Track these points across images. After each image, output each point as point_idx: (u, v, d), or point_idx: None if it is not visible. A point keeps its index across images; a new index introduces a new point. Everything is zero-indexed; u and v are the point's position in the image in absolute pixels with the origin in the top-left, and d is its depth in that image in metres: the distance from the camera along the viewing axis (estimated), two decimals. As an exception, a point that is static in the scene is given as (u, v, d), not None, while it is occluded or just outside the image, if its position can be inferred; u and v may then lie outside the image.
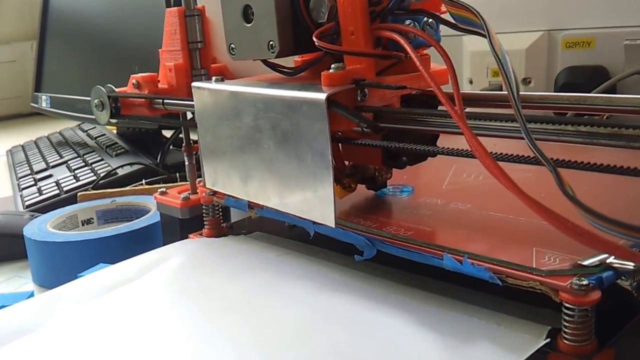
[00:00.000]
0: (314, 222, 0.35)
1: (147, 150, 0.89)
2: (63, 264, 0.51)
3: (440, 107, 0.32)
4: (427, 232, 0.33)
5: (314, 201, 0.33)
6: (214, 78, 0.39)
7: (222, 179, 0.40)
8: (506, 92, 0.27)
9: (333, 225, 0.32)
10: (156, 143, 0.92)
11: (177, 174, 0.77)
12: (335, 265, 0.36)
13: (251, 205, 0.40)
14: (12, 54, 1.79)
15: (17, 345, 0.32)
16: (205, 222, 0.45)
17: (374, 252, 0.33)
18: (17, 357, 0.31)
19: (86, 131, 1.11)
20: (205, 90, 0.39)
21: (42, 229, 0.54)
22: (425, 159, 0.37)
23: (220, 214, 0.45)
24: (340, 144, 0.37)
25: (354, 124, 0.32)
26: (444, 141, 0.34)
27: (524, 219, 0.33)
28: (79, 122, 1.20)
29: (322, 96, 0.30)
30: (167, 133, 0.93)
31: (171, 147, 0.89)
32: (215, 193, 0.44)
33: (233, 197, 0.42)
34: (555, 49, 0.65)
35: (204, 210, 0.44)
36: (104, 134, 1.04)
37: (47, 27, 1.20)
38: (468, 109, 0.28)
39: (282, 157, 0.34)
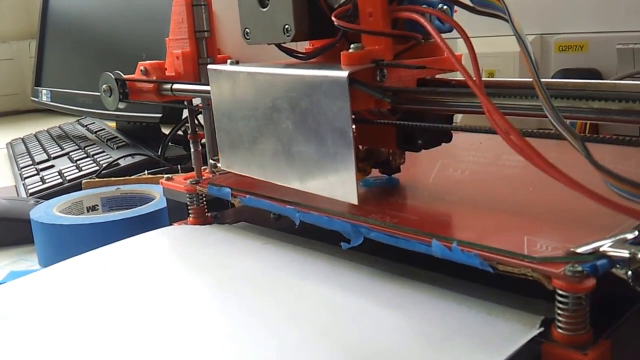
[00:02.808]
0: (299, 211, 0.35)
1: (146, 144, 0.89)
2: (70, 247, 0.51)
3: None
4: (414, 220, 0.32)
5: (336, 180, 0.32)
6: (229, 61, 0.39)
7: (239, 161, 0.40)
8: (520, 80, 0.27)
9: (356, 203, 0.32)
10: (156, 138, 0.93)
11: (179, 166, 0.78)
12: (321, 254, 0.35)
13: (234, 195, 0.41)
14: (9, 52, 1.79)
15: (11, 322, 0.32)
16: (189, 211, 0.45)
17: (360, 239, 0.32)
18: (11, 335, 0.31)
19: (86, 126, 1.11)
20: (222, 72, 0.39)
21: (49, 212, 0.54)
22: (440, 144, 0.36)
23: (205, 203, 0.45)
24: (354, 128, 0.37)
25: (372, 104, 0.32)
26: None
27: (514, 210, 0.32)
28: (78, 118, 1.20)
29: (344, 74, 0.30)
30: (165, 130, 0.94)
31: (170, 143, 0.90)
32: (198, 182, 0.44)
33: (217, 185, 0.42)
34: (548, 52, 0.65)
35: (188, 199, 0.45)
36: (104, 129, 1.04)
37: (47, 22, 1.20)
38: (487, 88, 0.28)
39: (302, 138, 0.34)
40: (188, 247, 0.40)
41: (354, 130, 0.33)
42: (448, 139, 0.37)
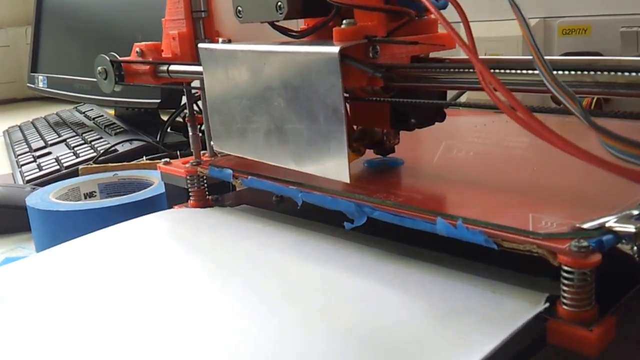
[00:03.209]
0: (302, 191, 0.35)
1: (145, 131, 0.88)
2: (67, 234, 0.50)
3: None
4: (418, 199, 0.32)
5: (328, 159, 0.32)
6: (220, 39, 0.39)
7: (232, 141, 0.39)
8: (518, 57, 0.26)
9: (348, 181, 0.32)
10: (155, 124, 0.92)
11: (178, 152, 0.77)
12: (324, 235, 0.35)
13: (236, 176, 0.40)
14: (6, 39, 1.78)
15: (7, 306, 0.32)
16: (190, 194, 0.44)
17: (364, 219, 0.32)
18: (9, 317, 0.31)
19: (84, 113, 1.10)
20: (213, 50, 0.38)
21: (45, 199, 0.53)
22: (433, 123, 0.36)
23: (205, 185, 0.44)
24: (348, 108, 0.37)
25: (365, 81, 0.31)
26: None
27: (519, 189, 0.33)
28: (75, 104, 1.20)
29: (335, 49, 0.30)
30: (164, 117, 0.93)
31: (170, 130, 0.89)
32: (199, 163, 0.44)
33: (218, 166, 0.41)
34: (551, 36, 0.65)
35: (188, 182, 0.44)
36: (102, 115, 1.03)
37: (43, 7, 1.19)
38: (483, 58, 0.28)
39: (294, 116, 0.33)
40: (188, 229, 0.40)
41: (347, 107, 0.32)
42: (441, 118, 0.36)
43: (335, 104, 0.31)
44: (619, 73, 0.24)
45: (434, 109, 0.36)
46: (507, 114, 0.25)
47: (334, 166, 0.32)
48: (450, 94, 0.36)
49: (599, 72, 0.25)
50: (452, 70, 0.30)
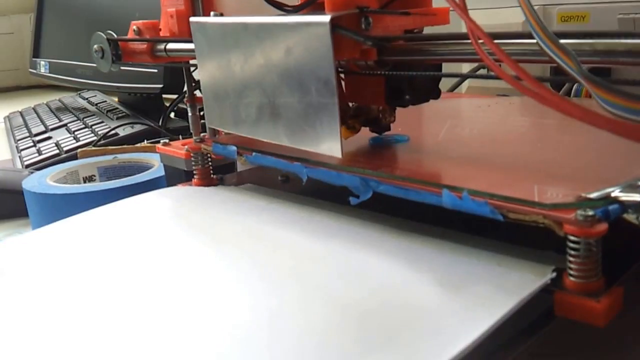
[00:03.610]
0: (307, 167, 0.34)
1: (148, 116, 0.88)
2: (64, 218, 0.50)
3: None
4: (424, 172, 0.32)
5: (320, 133, 0.32)
6: (212, 13, 0.38)
7: (224, 117, 0.39)
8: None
9: (340, 156, 0.31)
10: (158, 110, 0.91)
11: (180, 136, 0.77)
12: (329, 212, 0.35)
13: (240, 153, 0.39)
14: (10, 26, 1.78)
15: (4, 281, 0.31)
16: (194, 172, 0.44)
17: (369, 193, 0.31)
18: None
19: (87, 99, 1.10)
20: (205, 24, 0.37)
21: (42, 182, 0.53)
22: (428, 100, 0.36)
23: (210, 163, 0.44)
24: (344, 85, 0.36)
25: (357, 53, 0.31)
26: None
27: (524, 164, 0.32)
28: (77, 90, 1.19)
29: (325, 18, 0.29)
30: (167, 103, 0.92)
31: (172, 115, 0.89)
32: (202, 140, 0.43)
33: (222, 143, 0.41)
34: (550, 23, 0.65)
35: (192, 159, 0.44)
36: (105, 101, 1.03)
37: (45, -8, 1.18)
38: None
39: (286, 90, 0.33)
40: (190, 206, 0.39)
41: (341, 82, 0.32)
42: (436, 95, 0.36)
43: (327, 75, 0.30)
44: (619, 40, 0.23)
45: (428, 85, 0.35)
46: (504, 79, 0.25)
47: (326, 141, 0.31)
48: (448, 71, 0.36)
49: (598, 40, 0.24)
50: (448, 41, 0.29)
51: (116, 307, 0.27)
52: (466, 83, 0.67)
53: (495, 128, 0.42)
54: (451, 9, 0.29)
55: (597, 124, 0.23)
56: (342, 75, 0.36)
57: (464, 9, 0.25)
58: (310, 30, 0.30)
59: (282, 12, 0.36)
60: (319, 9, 0.34)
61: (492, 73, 0.26)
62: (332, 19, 0.29)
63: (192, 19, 0.38)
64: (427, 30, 0.35)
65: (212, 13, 0.38)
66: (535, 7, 0.25)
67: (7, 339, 0.26)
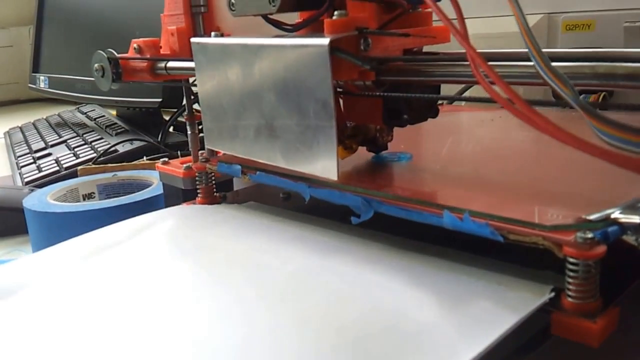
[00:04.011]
0: (310, 186, 0.35)
1: (147, 131, 0.88)
2: (64, 236, 0.50)
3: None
4: (425, 192, 0.32)
5: (317, 154, 0.32)
6: (212, 33, 0.38)
7: (223, 138, 0.39)
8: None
9: (336, 179, 0.31)
10: (156, 124, 0.92)
11: (179, 152, 0.77)
12: (331, 231, 0.35)
13: (244, 172, 0.40)
14: (9, 39, 1.78)
15: (4, 304, 0.31)
16: (198, 191, 0.44)
17: (371, 213, 0.32)
18: (4, 315, 0.30)
19: (85, 113, 1.10)
20: (205, 44, 0.38)
21: (43, 200, 0.53)
22: (426, 119, 0.36)
23: (214, 182, 0.44)
24: (342, 104, 0.37)
25: (355, 74, 0.31)
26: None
27: (525, 183, 0.33)
28: (77, 105, 1.19)
29: (324, 41, 0.29)
30: (167, 117, 0.93)
31: (171, 129, 0.89)
32: (208, 160, 0.43)
33: (227, 162, 0.41)
34: (555, 32, 0.65)
35: (197, 178, 0.44)
36: (104, 115, 1.03)
37: (44, 8, 1.19)
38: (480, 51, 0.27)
39: (284, 111, 0.33)
40: (195, 225, 0.40)
41: (339, 103, 0.33)
42: (434, 113, 0.36)
43: (325, 98, 0.30)
44: (619, 64, 0.24)
45: (426, 104, 0.36)
46: (500, 103, 0.25)
47: (322, 163, 0.32)
48: (445, 88, 0.36)
49: (598, 63, 0.24)
50: (445, 62, 0.29)
51: (113, 329, 0.27)
52: (467, 93, 0.67)
53: (498, 144, 0.42)
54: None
55: (592, 153, 0.23)
56: (340, 95, 0.36)
57: (464, 37, 0.26)
58: (309, 52, 0.30)
59: (281, 31, 0.37)
60: (318, 28, 0.34)
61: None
62: (331, 42, 0.29)
63: (193, 39, 0.39)
64: (427, 47, 0.35)
65: (212, 33, 0.38)
66: (540, 16, 0.25)
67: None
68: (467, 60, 0.27)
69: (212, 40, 0.38)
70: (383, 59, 0.31)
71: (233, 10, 0.37)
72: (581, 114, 0.23)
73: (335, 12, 0.31)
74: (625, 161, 0.23)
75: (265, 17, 0.36)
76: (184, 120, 0.91)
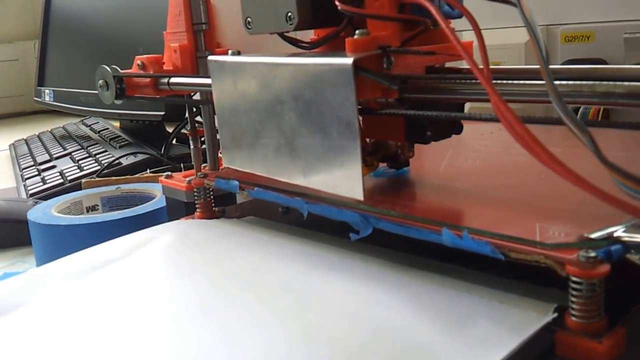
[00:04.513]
0: (307, 202, 0.34)
1: (150, 143, 0.88)
2: (68, 248, 0.49)
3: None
4: (424, 209, 0.32)
5: (340, 175, 0.31)
6: (230, 51, 0.38)
7: (241, 157, 0.38)
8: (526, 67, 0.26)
9: (361, 199, 0.30)
10: (159, 136, 0.92)
11: (182, 165, 0.77)
12: (330, 247, 0.35)
13: (242, 187, 0.39)
14: (14, 52, 1.78)
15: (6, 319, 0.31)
16: (197, 205, 0.44)
17: (369, 229, 0.31)
18: (6, 331, 0.30)
19: (89, 125, 1.10)
20: (223, 63, 0.37)
21: (47, 213, 0.53)
22: (450, 136, 0.35)
23: (212, 197, 0.44)
24: (361, 120, 0.36)
25: (379, 93, 0.30)
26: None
27: (526, 199, 0.32)
28: (82, 117, 1.20)
29: (348, 61, 0.28)
30: (170, 129, 0.93)
31: (174, 141, 0.89)
32: (206, 175, 0.43)
33: (225, 178, 0.41)
34: (554, 43, 0.64)
35: (195, 194, 0.44)
36: (107, 128, 1.03)
37: (49, 22, 1.19)
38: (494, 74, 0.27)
39: (305, 130, 0.32)
40: (193, 241, 0.39)
41: (360, 121, 0.31)
42: (458, 130, 0.35)
43: (348, 117, 0.29)
44: (618, 82, 0.23)
45: (451, 121, 0.35)
46: (522, 145, 0.25)
47: (346, 184, 0.31)
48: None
49: (597, 82, 0.24)
50: (470, 81, 0.28)
51: (115, 345, 0.27)
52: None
53: (498, 158, 0.41)
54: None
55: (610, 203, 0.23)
56: (361, 113, 0.36)
57: (488, 80, 0.25)
58: (332, 71, 0.30)
59: (295, 49, 0.37)
60: (335, 44, 0.34)
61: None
62: (355, 61, 0.29)
63: (210, 57, 0.38)
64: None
65: (229, 52, 0.38)
66: (539, 27, 0.25)
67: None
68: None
69: (230, 58, 0.37)
70: (407, 77, 0.31)
71: (250, 29, 0.36)
72: (604, 167, 0.23)
73: (357, 31, 0.31)
74: (625, 204, 0.23)
75: (281, 34, 0.36)
76: (186, 133, 0.92)
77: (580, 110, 0.54)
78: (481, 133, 0.49)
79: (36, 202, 0.61)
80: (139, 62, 0.46)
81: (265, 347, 0.25)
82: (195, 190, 0.43)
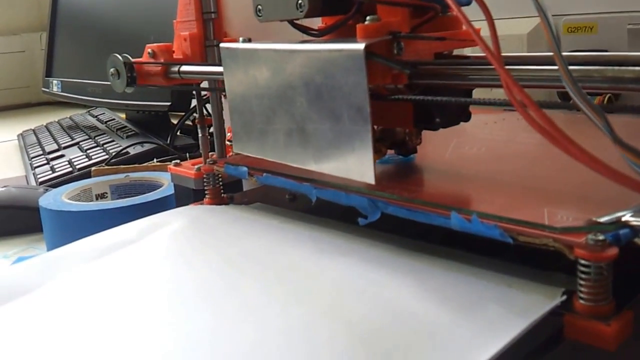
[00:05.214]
0: (316, 187, 0.34)
1: (156, 134, 0.88)
2: (78, 234, 0.49)
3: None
4: (432, 194, 0.32)
5: (352, 159, 0.31)
6: (241, 39, 0.37)
7: (252, 143, 0.38)
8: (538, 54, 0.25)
9: (373, 182, 0.30)
10: (165, 127, 0.92)
11: (187, 154, 0.77)
12: (338, 232, 0.34)
13: (251, 173, 0.39)
14: (21, 44, 1.78)
15: (14, 304, 0.31)
16: (205, 192, 0.44)
17: (378, 214, 0.31)
18: (14, 316, 0.30)
19: (96, 116, 1.10)
20: (235, 49, 0.37)
21: (58, 199, 0.53)
22: (458, 123, 0.35)
23: (221, 183, 0.44)
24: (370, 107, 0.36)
25: (389, 79, 0.30)
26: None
27: (533, 185, 0.32)
28: (89, 108, 1.19)
29: (360, 46, 0.28)
30: (174, 120, 0.93)
31: (179, 133, 0.89)
32: (215, 162, 0.43)
33: (234, 164, 0.41)
34: (556, 34, 0.64)
35: (204, 180, 0.44)
36: (114, 119, 1.03)
37: (57, 13, 1.19)
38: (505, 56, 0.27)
39: (316, 116, 0.32)
40: (205, 225, 0.39)
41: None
42: (466, 117, 0.35)
43: (360, 102, 0.29)
44: (627, 67, 0.23)
45: (459, 108, 0.34)
46: (535, 128, 0.24)
47: (358, 168, 0.30)
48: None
49: (607, 67, 0.24)
50: (479, 67, 0.28)
51: (125, 327, 0.27)
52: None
53: (504, 146, 0.41)
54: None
55: (625, 185, 0.23)
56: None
57: (499, 60, 0.25)
58: (344, 57, 0.29)
59: (305, 36, 0.36)
60: (344, 32, 0.34)
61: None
62: (366, 46, 0.28)
63: (222, 44, 0.38)
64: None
65: (240, 39, 0.37)
66: (549, 10, 0.25)
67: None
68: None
69: (242, 45, 0.37)
70: (418, 63, 0.30)
71: (260, 16, 0.36)
72: (616, 148, 0.23)
73: (368, 17, 0.30)
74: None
75: (291, 22, 0.35)
76: (191, 124, 0.92)
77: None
78: (485, 122, 0.49)
79: (46, 190, 0.61)
80: (149, 50, 0.46)
81: (283, 326, 0.25)
82: (204, 176, 0.43)
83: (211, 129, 0.49)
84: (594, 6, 0.62)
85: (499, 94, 0.26)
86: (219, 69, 0.40)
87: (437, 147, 0.41)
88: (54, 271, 0.34)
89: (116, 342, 0.26)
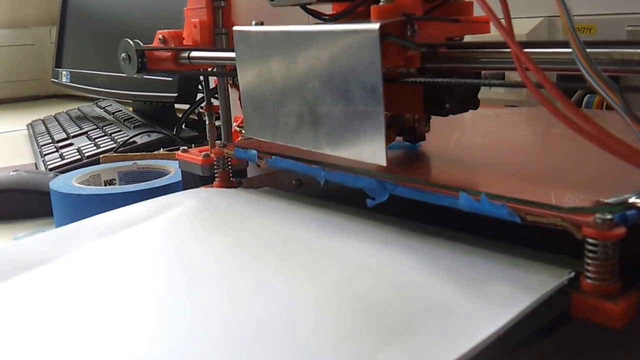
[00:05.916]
0: (325, 169, 0.34)
1: (162, 125, 0.88)
2: (87, 217, 0.49)
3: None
4: (440, 176, 0.31)
5: (364, 141, 0.30)
6: (253, 22, 0.37)
7: (264, 127, 0.37)
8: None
9: (384, 164, 0.30)
10: (171, 119, 0.92)
11: (193, 145, 0.76)
12: (345, 214, 0.34)
13: (260, 156, 0.39)
14: (31, 37, 1.77)
15: (27, 276, 0.31)
16: (215, 175, 0.44)
17: (386, 195, 0.31)
18: (25, 288, 0.30)
19: (103, 108, 1.10)
20: (247, 32, 0.36)
21: (68, 183, 0.53)
22: (467, 110, 0.34)
23: (230, 167, 0.44)
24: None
25: (401, 61, 0.30)
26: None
27: (540, 170, 0.32)
28: (97, 99, 1.19)
29: (375, 26, 0.28)
30: (179, 114, 0.93)
31: (184, 126, 0.89)
32: (225, 145, 0.43)
33: (243, 147, 0.40)
34: (555, 35, 0.63)
35: (215, 163, 0.43)
36: (121, 110, 1.03)
37: (67, 7, 1.18)
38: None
39: (329, 97, 0.31)
40: (216, 206, 0.39)
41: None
42: (475, 105, 0.34)
43: (373, 83, 0.29)
44: (635, 49, 0.23)
45: (468, 95, 0.34)
46: (547, 108, 0.24)
47: (370, 149, 0.30)
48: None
49: (615, 49, 0.23)
50: (491, 50, 0.28)
51: (136, 304, 0.27)
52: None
53: (507, 137, 0.41)
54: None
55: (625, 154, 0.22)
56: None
57: (510, 33, 0.24)
58: (358, 37, 0.29)
59: (316, 21, 0.36)
60: (355, 18, 0.33)
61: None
62: (381, 26, 0.28)
63: (235, 27, 0.37)
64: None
65: (253, 22, 0.37)
66: (540, 19, 0.25)
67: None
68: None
69: (255, 28, 0.36)
70: (431, 45, 0.30)
71: (272, 1, 0.35)
72: (632, 125, 0.22)
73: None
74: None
75: (304, 7, 0.35)
76: (196, 117, 0.91)
77: (585, 99, 0.53)
78: (487, 116, 0.49)
79: (57, 175, 0.61)
80: (160, 36, 0.46)
81: (293, 300, 0.25)
82: (215, 159, 0.43)
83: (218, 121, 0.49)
84: (594, 7, 0.61)
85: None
86: (229, 54, 0.40)
87: (443, 136, 0.41)
88: (63, 246, 0.34)
89: (130, 317, 0.25)
